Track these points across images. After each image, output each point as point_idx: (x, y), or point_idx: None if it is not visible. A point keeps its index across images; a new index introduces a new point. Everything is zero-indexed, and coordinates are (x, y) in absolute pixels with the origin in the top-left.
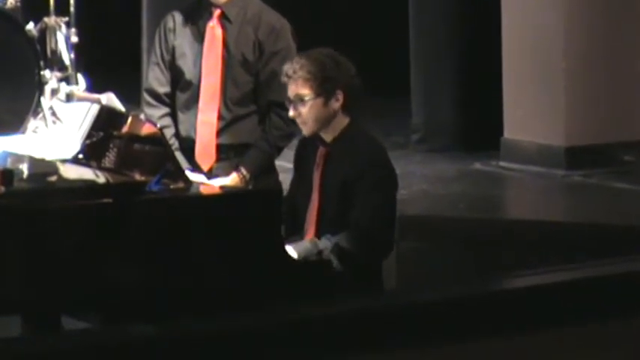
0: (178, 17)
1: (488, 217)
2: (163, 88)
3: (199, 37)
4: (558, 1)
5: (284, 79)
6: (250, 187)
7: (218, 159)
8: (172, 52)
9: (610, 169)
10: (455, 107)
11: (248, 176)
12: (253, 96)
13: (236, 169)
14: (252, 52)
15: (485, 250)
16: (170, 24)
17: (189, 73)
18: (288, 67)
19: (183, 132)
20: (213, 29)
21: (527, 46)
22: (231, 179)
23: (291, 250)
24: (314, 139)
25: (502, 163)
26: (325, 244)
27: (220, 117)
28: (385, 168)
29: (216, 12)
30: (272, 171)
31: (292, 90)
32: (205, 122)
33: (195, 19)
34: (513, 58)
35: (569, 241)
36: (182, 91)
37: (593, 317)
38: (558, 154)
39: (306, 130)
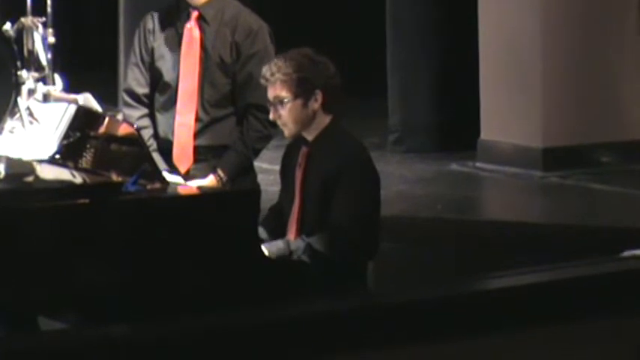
0: (157, 18)
1: (465, 217)
2: (142, 89)
3: (178, 38)
4: (535, 2)
5: (263, 82)
6: (227, 187)
7: (196, 161)
8: (151, 54)
9: (587, 171)
10: (432, 108)
11: (225, 178)
12: (231, 98)
13: (213, 170)
14: (230, 54)
15: (462, 250)
16: (149, 25)
17: (167, 75)
18: (266, 70)
19: (161, 133)
20: (191, 31)
21: (505, 47)
22: (209, 181)
23: (264, 250)
24: (299, 142)
25: (479, 164)
26: (298, 244)
27: (198, 119)
28: (365, 166)
29: (194, 13)
30: (250, 171)
31: (271, 92)
32: (183, 124)
33: (174, 21)
34: (490, 58)
35: (546, 242)
36: (160, 93)
37: (571, 317)
38: (535, 155)
39: (287, 132)
